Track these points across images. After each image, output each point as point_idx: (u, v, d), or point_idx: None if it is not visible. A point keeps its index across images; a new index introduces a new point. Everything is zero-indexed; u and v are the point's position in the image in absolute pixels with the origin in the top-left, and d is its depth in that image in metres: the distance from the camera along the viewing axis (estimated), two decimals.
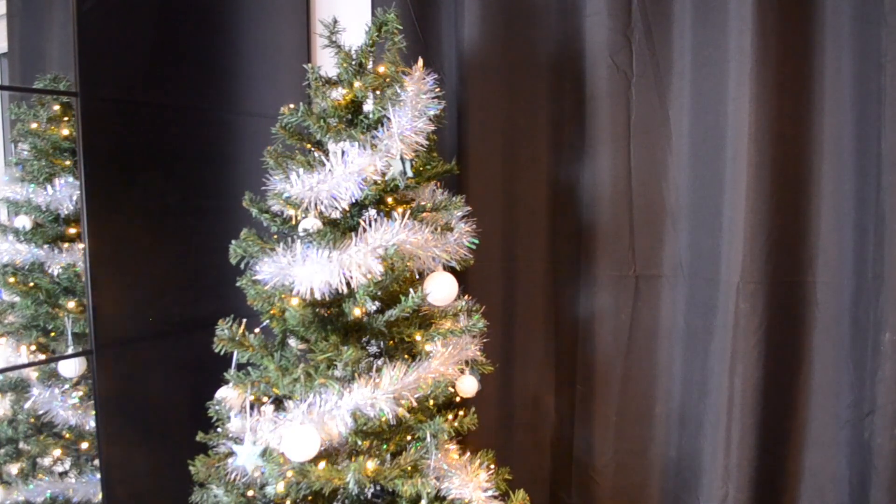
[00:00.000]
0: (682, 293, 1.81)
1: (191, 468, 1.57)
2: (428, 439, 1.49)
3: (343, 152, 1.52)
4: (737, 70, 1.62)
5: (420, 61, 1.56)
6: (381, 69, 1.56)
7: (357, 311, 1.50)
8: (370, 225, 1.46)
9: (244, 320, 1.54)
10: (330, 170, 1.47)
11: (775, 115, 1.60)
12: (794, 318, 1.68)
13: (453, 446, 1.58)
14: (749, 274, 1.64)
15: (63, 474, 1.84)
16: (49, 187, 1.77)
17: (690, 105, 1.74)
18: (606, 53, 1.79)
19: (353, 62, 1.56)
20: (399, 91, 1.52)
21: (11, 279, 1.77)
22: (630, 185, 1.83)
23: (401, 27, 1.56)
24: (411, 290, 1.48)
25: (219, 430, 1.57)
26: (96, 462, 1.80)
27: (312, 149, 1.60)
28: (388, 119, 1.49)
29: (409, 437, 1.54)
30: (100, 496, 1.80)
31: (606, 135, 1.83)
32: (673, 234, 1.81)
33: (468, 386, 1.64)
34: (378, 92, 1.58)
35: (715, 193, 1.70)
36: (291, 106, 1.59)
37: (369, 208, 1.57)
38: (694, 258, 1.78)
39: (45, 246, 1.78)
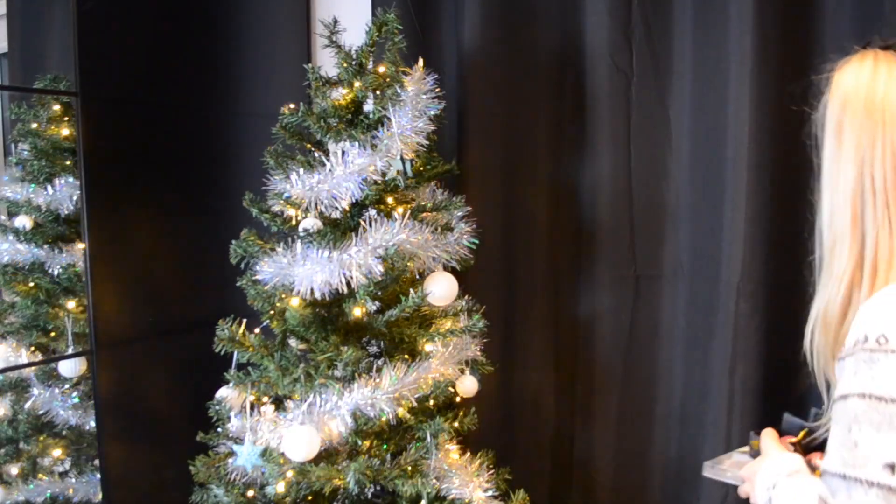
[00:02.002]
0: (683, 293, 1.81)
1: (191, 468, 1.57)
2: (428, 439, 1.49)
3: (343, 152, 1.52)
4: (737, 70, 1.62)
5: (420, 61, 1.56)
6: (382, 69, 1.56)
7: (357, 311, 1.50)
8: (370, 225, 1.46)
9: (244, 320, 1.54)
10: (330, 170, 1.47)
11: (775, 116, 1.60)
12: (794, 318, 1.67)
13: (453, 446, 1.58)
14: (749, 274, 1.64)
15: (63, 474, 1.84)
16: (49, 187, 1.77)
17: (690, 105, 1.74)
18: (606, 53, 1.79)
19: (354, 62, 1.56)
20: (399, 91, 1.52)
21: (11, 279, 1.77)
22: (630, 185, 1.83)
23: (401, 27, 1.56)
24: (411, 290, 1.48)
25: (219, 430, 1.57)
26: (96, 462, 1.80)
27: (312, 149, 1.60)
28: (389, 119, 1.49)
29: (409, 437, 1.54)
30: (100, 496, 1.80)
31: (606, 135, 1.83)
32: (673, 234, 1.81)
33: (468, 386, 1.64)
34: (378, 92, 1.58)
35: (715, 193, 1.70)
36: (291, 106, 1.59)
37: (369, 208, 1.56)
38: (694, 258, 1.78)
39: (45, 246, 1.78)
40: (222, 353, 1.51)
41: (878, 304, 0.77)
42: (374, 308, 1.56)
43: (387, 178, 1.52)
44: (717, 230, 1.70)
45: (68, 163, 1.77)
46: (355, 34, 1.59)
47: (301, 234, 1.50)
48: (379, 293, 1.51)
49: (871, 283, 0.80)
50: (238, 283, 1.54)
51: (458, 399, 1.66)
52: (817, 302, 0.86)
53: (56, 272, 1.79)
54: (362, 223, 1.47)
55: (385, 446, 1.52)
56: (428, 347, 1.55)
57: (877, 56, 0.86)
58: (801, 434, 0.98)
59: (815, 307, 0.86)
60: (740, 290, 1.65)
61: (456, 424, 1.57)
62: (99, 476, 1.79)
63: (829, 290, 0.83)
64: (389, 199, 1.57)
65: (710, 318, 1.74)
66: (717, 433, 1.72)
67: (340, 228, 1.54)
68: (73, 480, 1.84)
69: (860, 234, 0.82)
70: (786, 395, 1.71)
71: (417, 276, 1.58)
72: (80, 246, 1.76)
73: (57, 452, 1.83)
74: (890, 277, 0.79)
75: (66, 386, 1.80)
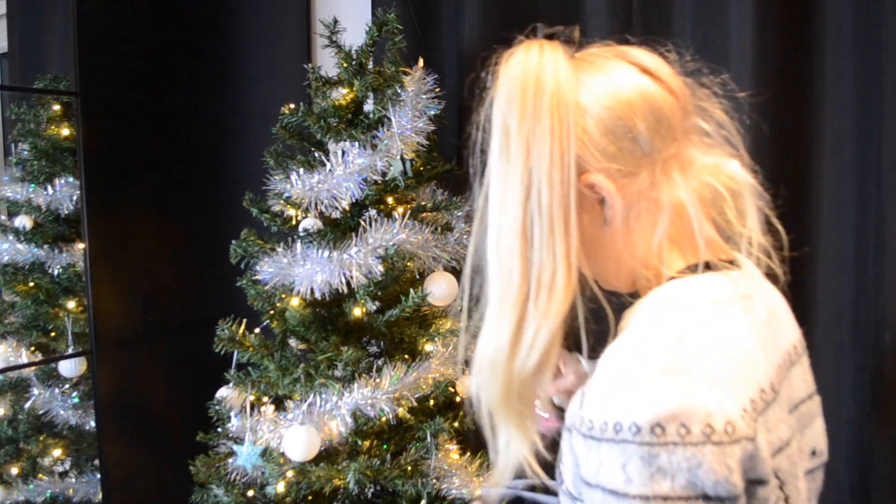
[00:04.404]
0: None
1: (191, 468, 1.57)
2: (428, 439, 1.49)
3: (343, 152, 1.52)
4: (737, 69, 1.62)
5: (420, 61, 1.56)
6: (382, 69, 1.56)
7: (357, 311, 1.50)
8: (370, 225, 1.46)
9: (244, 320, 1.54)
10: (330, 170, 1.47)
11: (775, 115, 1.60)
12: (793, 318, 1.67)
13: (453, 446, 1.58)
14: None
15: (63, 474, 1.84)
16: (49, 187, 1.77)
17: None
18: None
19: (354, 62, 1.56)
20: (399, 91, 1.52)
21: (11, 279, 1.77)
22: None
23: (401, 27, 1.56)
24: (411, 290, 1.48)
25: (219, 430, 1.57)
26: (96, 462, 1.80)
27: (313, 149, 1.60)
28: (389, 119, 1.49)
29: (409, 437, 1.54)
30: (100, 496, 1.80)
31: None
32: None
33: (468, 386, 1.64)
34: (378, 92, 1.58)
35: None
36: (292, 106, 1.59)
37: (369, 208, 1.57)
38: None
39: (45, 246, 1.78)
40: (222, 353, 1.51)
41: (636, 375, 0.68)
42: (374, 308, 1.56)
43: (387, 178, 1.52)
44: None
45: (68, 163, 1.77)
46: (355, 34, 1.59)
47: (301, 234, 1.50)
48: (379, 293, 1.51)
49: (535, 310, 0.73)
50: (238, 283, 1.54)
51: (458, 399, 1.66)
52: (484, 341, 0.78)
53: (56, 272, 1.79)
54: (362, 223, 1.47)
55: (385, 446, 1.52)
56: (428, 347, 1.55)
57: (542, 47, 0.79)
58: None
59: (482, 347, 0.78)
60: None
61: (456, 424, 1.57)
62: (99, 476, 1.79)
63: (500, 328, 0.75)
64: (389, 199, 1.57)
65: None
66: None
67: (340, 228, 1.54)
68: (73, 480, 1.84)
69: (528, 263, 0.72)
70: None
71: (417, 276, 1.58)
72: (80, 246, 1.76)
73: (57, 452, 1.83)
74: (551, 308, 0.74)
75: (66, 386, 1.81)
